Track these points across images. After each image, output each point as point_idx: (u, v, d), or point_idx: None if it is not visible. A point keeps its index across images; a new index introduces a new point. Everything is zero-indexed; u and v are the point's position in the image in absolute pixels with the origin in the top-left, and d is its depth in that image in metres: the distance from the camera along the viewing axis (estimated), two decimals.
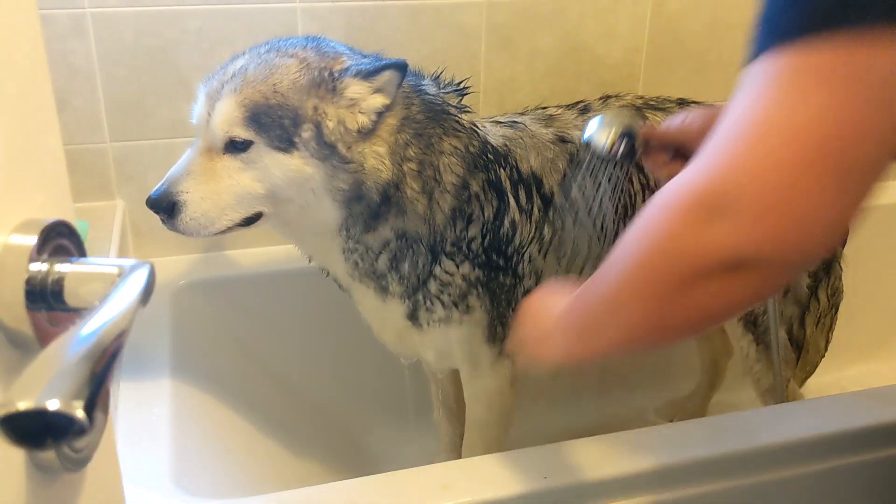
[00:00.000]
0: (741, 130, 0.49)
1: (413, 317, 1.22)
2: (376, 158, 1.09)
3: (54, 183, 0.43)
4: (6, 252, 0.39)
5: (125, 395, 1.24)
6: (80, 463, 0.44)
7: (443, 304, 1.20)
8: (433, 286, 1.19)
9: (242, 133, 1.06)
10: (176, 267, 1.54)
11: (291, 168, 1.07)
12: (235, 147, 1.07)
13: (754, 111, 0.49)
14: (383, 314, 1.25)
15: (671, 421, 1.68)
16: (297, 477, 1.37)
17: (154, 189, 1.10)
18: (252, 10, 1.48)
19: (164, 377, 1.29)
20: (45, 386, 0.30)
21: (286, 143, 1.06)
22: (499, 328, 1.25)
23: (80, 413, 0.30)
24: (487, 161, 1.20)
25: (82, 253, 0.42)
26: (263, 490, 1.07)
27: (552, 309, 0.75)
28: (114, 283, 0.39)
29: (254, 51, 1.13)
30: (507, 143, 1.24)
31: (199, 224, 1.09)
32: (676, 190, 0.53)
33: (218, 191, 1.08)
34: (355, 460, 1.57)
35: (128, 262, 0.40)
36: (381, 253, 1.17)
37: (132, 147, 1.51)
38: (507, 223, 1.20)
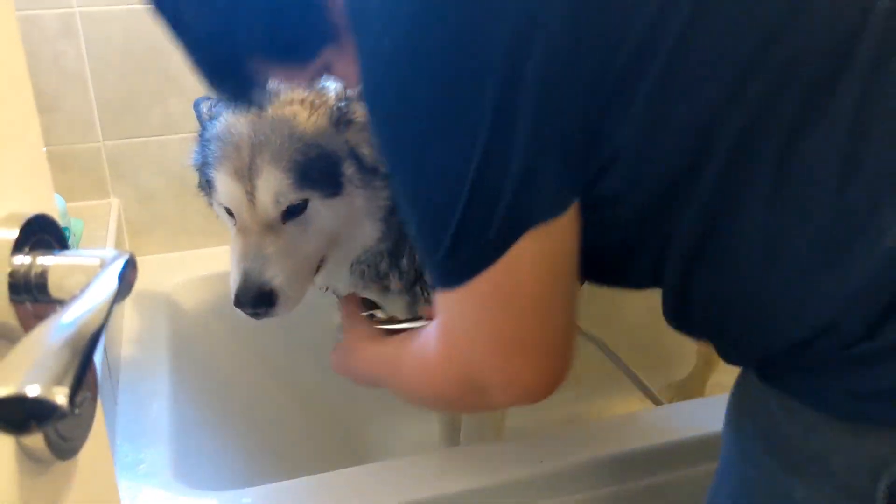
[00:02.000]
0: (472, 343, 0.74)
1: (411, 311, 1.23)
2: None
3: (35, 177, 0.44)
4: None
5: (124, 391, 1.25)
6: (70, 451, 0.45)
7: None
8: (428, 277, 1.20)
9: (298, 196, 1.03)
10: (172, 263, 1.55)
11: (344, 207, 1.06)
12: (293, 213, 1.04)
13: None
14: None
15: (670, 402, 1.70)
16: (297, 468, 1.37)
17: (237, 289, 1.03)
18: None
19: (163, 373, 1.30)
20: (26, 373, 0.31)
21: (336, 187, 1.05)
22: None
23: (60, 398, 0.30)
24: None
25: (64, 245, 0.42)
26: (264, 481, 1.08)
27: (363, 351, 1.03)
28: (96, 274, 0.40)
29: (237, 110, 1.07)
30: None
31: (296, 300, 1.06)
32: (444, 374, 0.79)
33: (299, 261, 1.05)
34: (353, 451, 1.59)
35: (108, 252, 0.40)
36: (384, 254, 1.17)
37: (125, 145, 1.52)
38: None
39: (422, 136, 0.67)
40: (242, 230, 1.05)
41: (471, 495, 1.07)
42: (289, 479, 1.08)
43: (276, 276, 1.03)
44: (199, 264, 1.56)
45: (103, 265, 0.40)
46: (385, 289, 1.21)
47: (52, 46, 1.42)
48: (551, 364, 0.74)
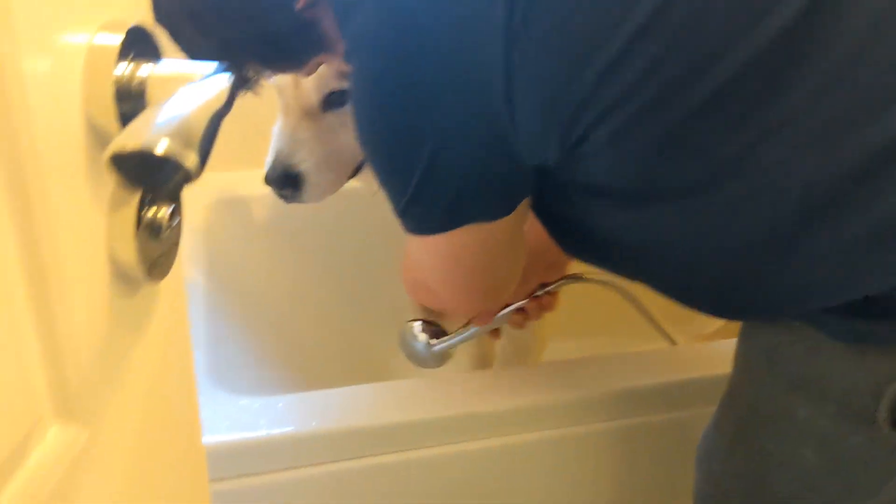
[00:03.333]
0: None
1: None
2: None
3: None
4: (94, 52, 0.39)
5: None
6: (159, 273, 0.45)
7: None
8: None
9: (340, 84, 1.03)
10: (208, 183, 1.54)
11: None
12: (333, 102, 1.04)
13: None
14: None
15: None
16: (325, 383, 1.39)
17: (268, 168, 1.06)
18: None
19: (199, 286, 1.31)
20: (153, 132, 0.30)
21: None
22: None
23: (190, 159, 0.30)
24: None
25: (160, 57, 0.42)
26: (292, 391, 1.09)
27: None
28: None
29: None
30: None
31: (323, 189, 1.07)
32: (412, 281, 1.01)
33: (332, 152, 1.06)
34: (378, 379, 1.59)
35: (208, 66, 0.40)
36: None
37: None
38: None
39: (388, 129, 0.74)
40: (285, 112, 1.07)
41: (502, 416, 1.07)
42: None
43: (304, 160, 1.05)
44: (235, 186, 1.56)
45: (204, 76, 0.40)
46: None
47: None
48: (479, 304, 0.98)
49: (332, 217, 1.57)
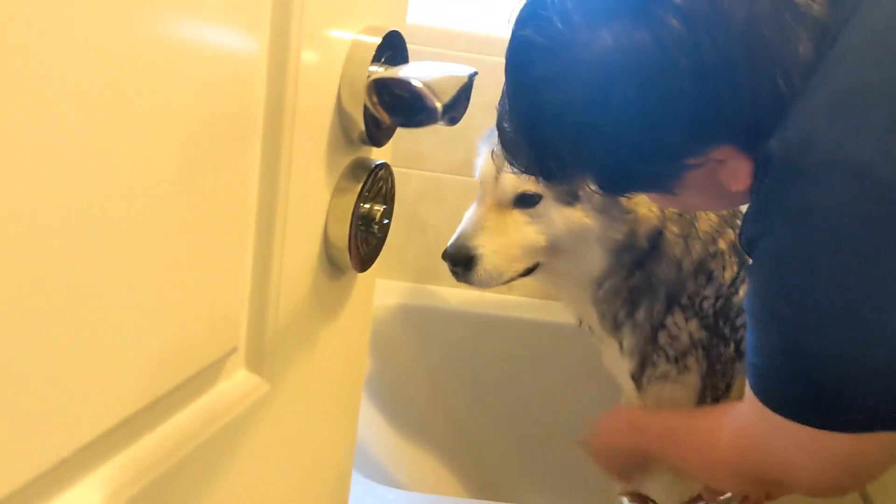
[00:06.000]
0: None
1: (638, 374, 1.18)
2: (646, 205, 1.10)
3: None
4: (355, 47, 0.44)
5: None
6: (365, 264, 0.48)
7: (666, 356, 1.16)
8: (662, 337, 1.16)
9: (533, 188, 1.10)
10: (385, 287, 1.60)
11: (574, 220, 1.10)
12: (524, 202, 1.11)
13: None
14: (618, 370, 1.22)
15: None
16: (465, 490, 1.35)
17: (449, 244, 1.16)
18: None
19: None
20: (411, 73, 0.33)
21: (571, 197, 1.09)
22: (708, 398, 1.18)
23: (438, 101, 0.33)
24: (734, 222, 1.17)
25: (408, 61, 0.46)
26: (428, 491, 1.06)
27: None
28: None
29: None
30: None
31: (490, 276, 1.14)
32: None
33: (508, 244, 1.13)
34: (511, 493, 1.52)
35: (461, 68, 0.43)
36: (624, 301, 1.16)
37: None
38: (741, 292, 1.15)
39: None
40: (480, 200, 1.16)
41: None
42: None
43: (482, 245, 1.12)
44: (411, 295, 1.61)
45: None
46: (620, 344, 1.17)
47: None
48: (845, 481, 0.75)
49: (496, 344, 1.57)
